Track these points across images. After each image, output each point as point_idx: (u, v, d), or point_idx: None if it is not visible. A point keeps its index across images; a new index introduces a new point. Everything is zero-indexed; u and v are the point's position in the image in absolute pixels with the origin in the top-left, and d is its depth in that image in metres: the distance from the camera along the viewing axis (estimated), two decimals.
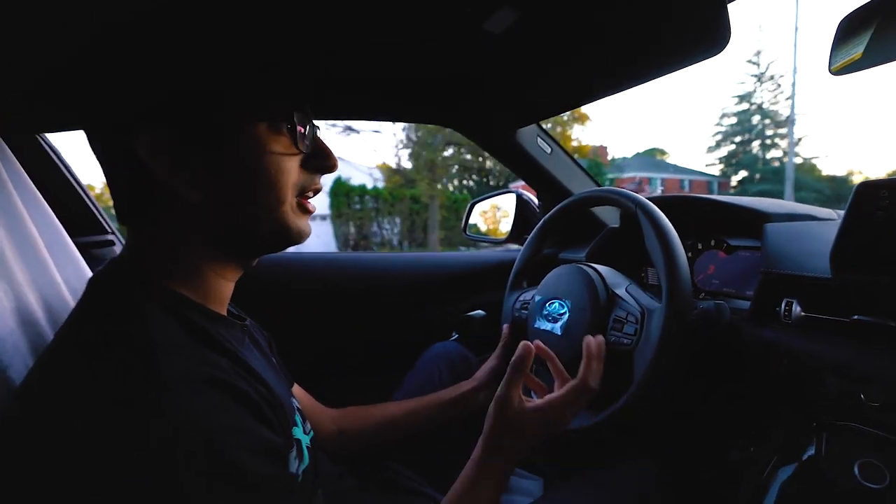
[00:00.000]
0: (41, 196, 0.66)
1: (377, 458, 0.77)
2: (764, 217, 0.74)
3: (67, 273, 0.65)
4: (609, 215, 1.13)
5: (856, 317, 0.55)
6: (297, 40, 0.60)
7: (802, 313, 0.62)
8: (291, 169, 0.45)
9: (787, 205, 0.81)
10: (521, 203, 1.19)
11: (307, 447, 0.50)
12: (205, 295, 0.46)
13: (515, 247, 1.27)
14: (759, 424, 0.73)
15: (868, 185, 0.55)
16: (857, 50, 0.54)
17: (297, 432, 0.48)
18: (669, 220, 0.64)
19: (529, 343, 0.55)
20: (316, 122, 0.50)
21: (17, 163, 0.63)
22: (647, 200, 0.66)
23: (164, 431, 0.31)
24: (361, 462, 0.75)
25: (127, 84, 0.42)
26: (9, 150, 0.61)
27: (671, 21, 0.54)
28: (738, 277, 0.82)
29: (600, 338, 0.61)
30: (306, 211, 0.48)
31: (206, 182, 0.42)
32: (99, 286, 0.43)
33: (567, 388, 0.57)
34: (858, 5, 0.51)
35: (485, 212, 1.41)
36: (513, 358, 0.54)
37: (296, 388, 0.72)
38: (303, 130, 0.45)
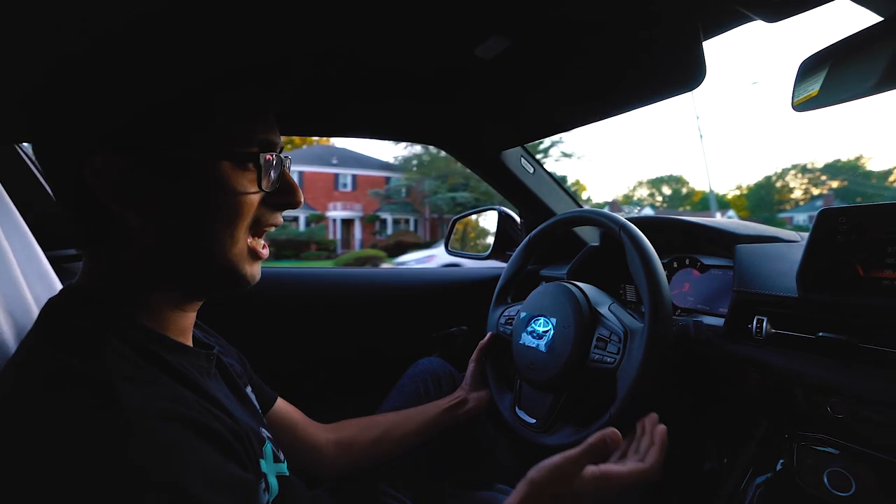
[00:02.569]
0: (14, 208, 0.63)
1: (365, 476, 0.75)
2: (734, 238, 0.79)
3: (38, 290, 0.62)
4: (588, 234, 1.16)
5: (821, 334, 0.59)
6: (286, 63, 0.60)
7: (773, 330, 0.65)
8: (251, 206, 0.43)
9: (754, 226, 0.86)
10: (504, 219, 1.21)
11: (277, 476, 0.48)
12: (164, 325, 0.44)
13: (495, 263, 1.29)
14: (733, 436, 0.76)
15: (828, 212, 0.59)
16: (813, 88, 0.59)
17: (264, 465, 0.46)
18: (648, 239, 0.67)
19: (616, 431, 0.49)
20: (285, 154, 0.47)
21: None
22: (629, 223, 0.69)
23: (128, 470, 0.30)
24: (349, 481, 0.74)
25: (81, 102, 0.40)
26: None
27: (650, 57, 0.58)
28: (712, 295, 0.86)
29: (663, 427, 0.58)
30: (258, 256, 0.46)
31: (159, 214, 0.40)
32: (55, 314, 0.40)
33: (632, 469, 0.51)
34: (819, 48, 0.56)
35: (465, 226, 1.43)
36: (594, 438, 0.49)
37: (283, 404, 0.70)
38: (269, 164, 0.43)
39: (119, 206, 0.39)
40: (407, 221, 22.80)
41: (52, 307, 0.41)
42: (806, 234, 0.80)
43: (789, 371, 0.61)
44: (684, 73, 0.57)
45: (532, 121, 0.87)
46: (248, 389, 0.59)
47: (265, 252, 0.47)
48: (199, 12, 0.34)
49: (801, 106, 0.59)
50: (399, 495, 0.75)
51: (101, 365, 0.34)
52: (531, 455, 0.74)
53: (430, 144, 1.01)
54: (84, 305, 0.41)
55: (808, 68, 0.58)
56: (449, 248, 1.35)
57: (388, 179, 23.10)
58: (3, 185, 0.63)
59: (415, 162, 21.08)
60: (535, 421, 0.72)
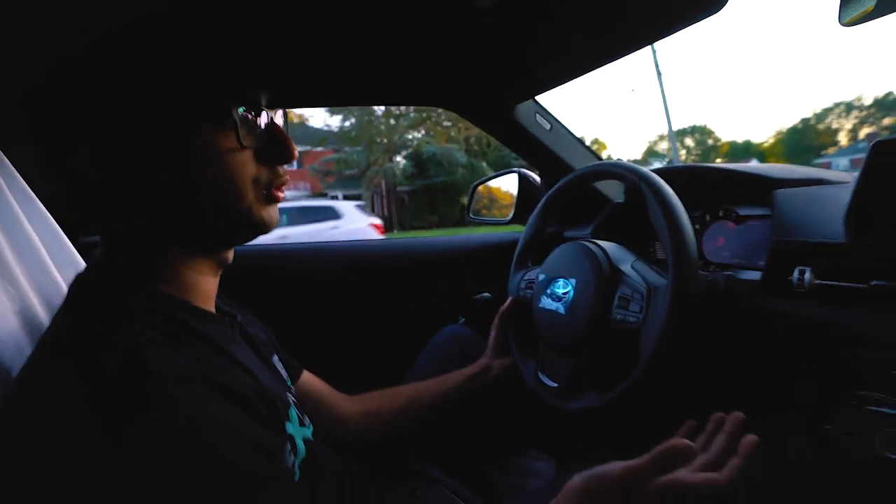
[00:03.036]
0: (37, 199, 0.66)
1: (395, 448, 0.77)
2: (773, 183, 0.72)
3: (68, 274, 0.65)
4: (614, 190, 1.10)
5: (874, 282, 0.52)
6: (282, 31, 0.58)
7: (816, 281, 0.59)
8: (243, 164, 0.43)
9: (798, 169, 0.78)
10: (524, 182, 1.16)
11: (304, 440, 0.49)
12: (188, 292, 0.45)
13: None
14: (769, 396, 0.71)
15: (883, 143, 0.52)
16: (869, 2, 0.51)
17: (291, 427, 0.47)
18: (675, 191, 0.62)
19: (688, 442, 0.41)
20: (275, 110, 0.47)
21: (11, 165, 0.63)
22: (650, 172, 0.64)
23: (155, 428, 0.31)
24: (379, 455, 0.76)
25: (68, 98, 0.40)
26: (1, 153, 0.61)
27: None
28: (749, 248, 0.79)
29: (753, 438, 0.44)
30: (273, 200, 0.46)
31: (157, 189, 0.41)
32: (82, 289, 0.42)
33: (704, 481, 0.40)
34: None
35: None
36: (661, 448, 0.40)
37: (309, 376, 0.72)
38: (252, 125, 0.43)
39: (115, 192, 0.40)
40: (359, 197, 17.11)
41: (78, 282, 0.43)
42: (857, 174, 0.72)
43: (838, 325, 0.56)
44: None
45: (543, 69, 0.81)
46: (275, 359, 0.60)
47: (280, 195, 0.47)
48: None
49: (852, 21, 0.51)
50: (431, 465, 0.76)
51: (127, 332, 0.35)
52: (557, 420, 0.74)
53: (438, 106, 0.97)
54: (108, 278, 0.42)
55: None
56: (469, 215, 1.32)
57: (336, 152, 18.22)
58: (28, 173, 0.66)
59: (353, 132, 17.41)
60: (557, 385, 0.70)
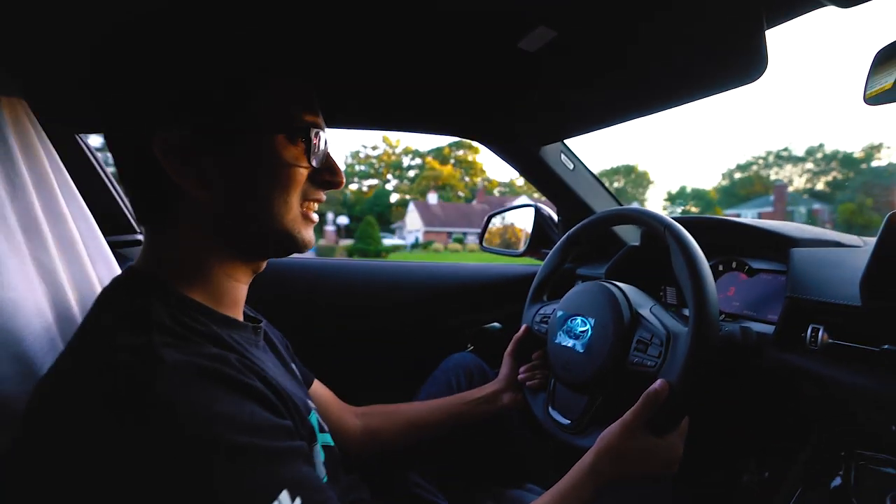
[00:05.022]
0: (80, 197, 0.67)
1: (396, 468, 0.77)
2: (790, 241, 0.74)
3: (101, 271, 0.66)
4: (628, 233, 1.13)
5: (886, 346, 0.54)
6: (329, 52, 0.62)
7: (829, 340, 0.61)
8: (300, 178, 0.46)
9: (812, 230, 0.81)
10: (540, 217, 1.19)
11: (323, 446, 0.51)
12: (217, 298, 0.47)
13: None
14: (775, 450, 0.72)
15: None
16: (888, 80, 0.54)
17: (316, 433, 0.49)
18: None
19: (663, 381, 0.57)
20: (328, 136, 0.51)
21: (60, 161, 0.65)
22: (674, 222, 0.66)
23: (163, 420, 0.32)
24: (379, 470, 0.76)
25: (147, 83, 0.43)
26: (53, 149, 0.62)
27: (707, 47, 0.55)
28: (759, 300, 0.81)
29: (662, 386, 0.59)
30: (310, 221, 0.49)
31: (218, 183, 0.43)
32: (112, 293, 0.44)
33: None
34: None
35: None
36: (647, 391, 0.57)
37: (319, 385, 0.73)
38: (317, 144, 0.47)
39: (184, 178, 0.42)
40: None
41: (112, 287, 0.45)
42: (870, 240, 0.75)
43: (848, 385, 0.57)
44: (743, 63, 0.54)
45: (576, 116, 0.85)
46: (293, 367, 0.62)
47: (315, 217, 0.50)
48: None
49: (873, 99, 0.55)
50: (429, 486, 0.76)
51: (146, 338, 0.36)
52: (563, 456, 0.74)
53: (468, 138, 1.00)
54: (140, 284, 0.44)
55: (883, 59, 0.54)
56: (483, 244, 1.34)
57: None
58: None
59: None
60: (568, 422, 0.70)
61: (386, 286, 1.14)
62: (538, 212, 1.19)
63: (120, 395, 0.32)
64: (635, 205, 1.04)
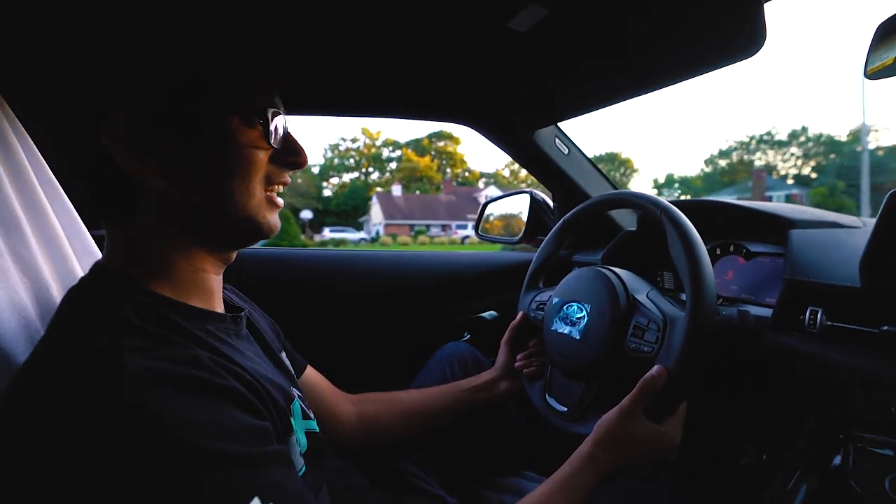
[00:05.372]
0: (62, 189, 0.66)
1: (390, 456, 0.76)
2: (788, 223, 0.73)
3: (86, 266, 0.65)
4: (624, 218, 1.11)
5: (885, 327, 0.54)
6: (288, 36, 0.59)
7: (828, 322, 0.60)
8: (261, 161, 0.45)
9: (811, 211, 0.80)
10: (536, 204, 1.17)
11: (307, 432, 0.50)
12: (187, 292, 0.45)
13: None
14: (773, 432, 0.72)
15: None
16: (889, 55, 0.53)
17: (294, 422, 0.48)
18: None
19: (660, 367, 0.57)
20: (288, 118, 0.50)
21: (40, 154, 0.63)
22: (671, 205, 0.65)
23: (125, 427, 0.31)
24: (373, 459, 0.75)
25: (90, 70, 0.41)
26: (32, 143, 0.61)
27: (704, 21, 0.53)
28: (757, 284, 0.81)
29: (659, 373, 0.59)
30: (275, 205, 0.48)
31: (175, 172, 0.42)
32: (78, 292, 0.42)
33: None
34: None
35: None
36: (644, 377, 0.57)
37: (312, 372, 0.72)
38: (275, 125, 0.45)
39: (137, 168, 0.40)
40: None
41: (78, 285, 0.43)
42: (870, 220, 0.74)
43: (847, 366, 0.57)
44: (742, 37, 0.52)
45: (570, 97, 0.83)
46: (283, 356, 0.61)
47: (280, 201, 0.49)
48: None
49: (875, 74, 0.54)
50: (424, 475, 0.76)
51: (111, 339, 0.35)
52: (559, 442, 0.73)
53: (459, 123, 0.98)
54: (106, 281, 0.42)
55: (885, 33, 0.53)
56: (479, 232, 1.33)
57: None
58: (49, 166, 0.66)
59: None
60: (566, 409, 0.70)
61: (382, 275, 1.13)
62: (533, 198, 1.18)
63: (81, 401, 0.31)
64: (631, 188, 1.03)
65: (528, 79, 0.76)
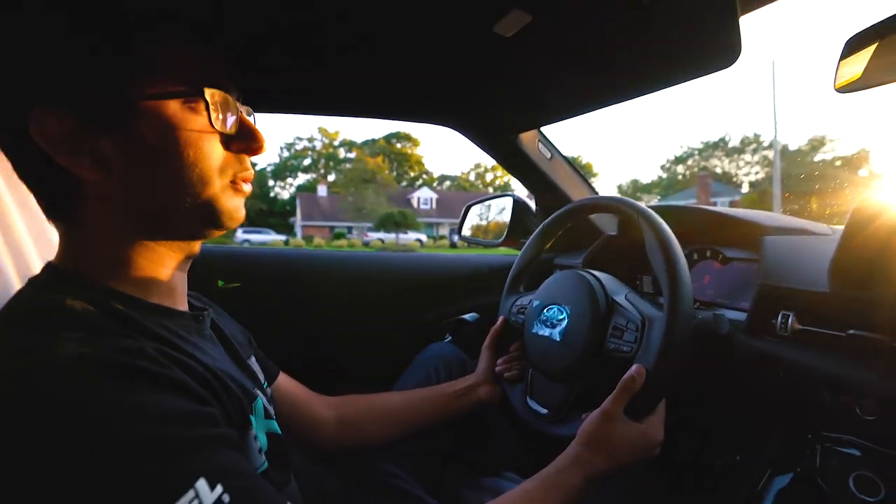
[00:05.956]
0: (26, 188, 0.63)
1: (371, 458, 0.75)
2: (761, 230, 0.75)
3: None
4: (605, 222, 1.13)
5: (851, 331, 0.56)
6: (273, 34, 0.58)
7: (798, 326, 0.62)
8: (212, 149, 0.42)
9: (782, 218, 0.82)
10: (518, 207, 1.18)
11: (267, 432, 0.49)
12: (147, 288, 0.44)
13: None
14: (748, 433, 0.74)
15: (858, 208, 0.56)
16: (857, 70, 0.55)
17: (254, 421, 0.46)
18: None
19: (639, 366, 0.58)
20: (250, 107, 0.47)
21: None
22: (649, 210, 0.66)
23: (50, 421, 0.30)
24: (353, 460, 0.74)
25: (5, 65, 0.38)
26: None
27: (682, 32, 0.55)
28: (733, 289, 0.83)
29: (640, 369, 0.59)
30: (240, 192, 0.46)
31: (119, 168, 0.40)
32: (25, 291, 0.40)
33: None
34: (865, 26, 0.52)
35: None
36: (624, 377, 0.57)
37: (285, 378, 0.70)
38: (219, 108, 0.42)
39: (72, 163, 0.38)
40: None
41: (26, 285, 0.41)
42: (839, 228, 0.76)
43: (816, 369, 0.59)
44: (718, 49, 0.53)
45: (553, 102, 0.84)
46: (252, 360, 0.59)
47: (247, 188, 0.46)
48: None
49: (844, 88, 0.56)
50: (404, 475, 0.75)
51: (45, 336, 0.33)
52: (540, 444, 0.74)
53: (442, 125, 0.98)
54: (55, 281, 0.40)
55: (853, 47, 0.55)
56: (461, 234, 1.33)
57: None
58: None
59: None
60: (547, 411, 0.70)
61: (362, 277, 1.12)
62: (516, 201, 1.19)
63: (7, 403, 0.30)
64: (612, 193, 1.05)
65: (513, 83, 0.77)
